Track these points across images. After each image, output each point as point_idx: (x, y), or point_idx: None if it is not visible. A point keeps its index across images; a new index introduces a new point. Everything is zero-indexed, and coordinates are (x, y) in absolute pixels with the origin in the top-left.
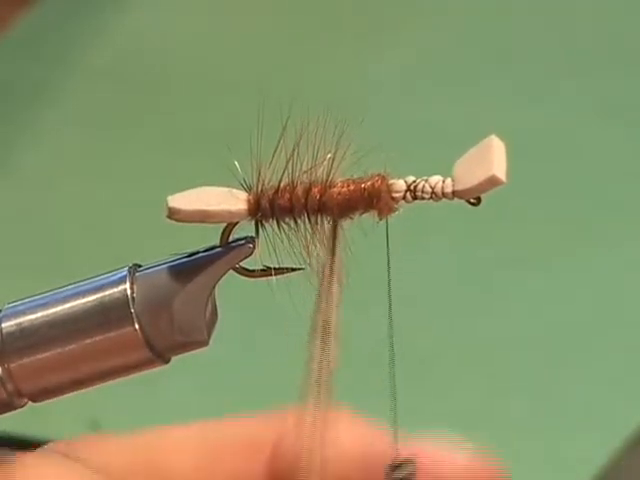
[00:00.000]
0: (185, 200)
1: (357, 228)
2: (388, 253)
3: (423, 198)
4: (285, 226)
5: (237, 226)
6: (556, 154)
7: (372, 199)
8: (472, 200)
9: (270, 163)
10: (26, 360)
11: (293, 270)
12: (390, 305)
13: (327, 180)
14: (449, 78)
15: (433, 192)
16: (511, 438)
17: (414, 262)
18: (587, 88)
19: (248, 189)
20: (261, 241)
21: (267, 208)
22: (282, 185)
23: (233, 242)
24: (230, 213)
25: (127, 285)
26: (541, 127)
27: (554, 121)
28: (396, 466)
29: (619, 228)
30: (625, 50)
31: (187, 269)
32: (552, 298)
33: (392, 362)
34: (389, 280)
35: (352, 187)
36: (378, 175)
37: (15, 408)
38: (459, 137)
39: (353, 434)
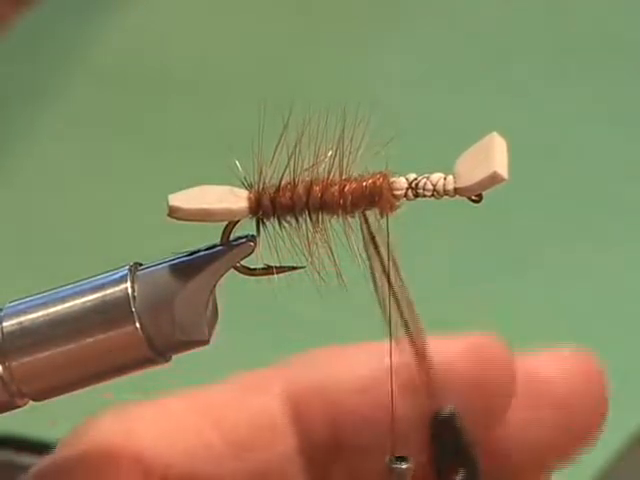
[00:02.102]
0: (186, 198)
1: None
2: (389, 250)
3: (424, 195)
4: (286, 224)
5: (238, 225)
6: (556, 153)
7: (374, 197)
8: (474, 197)
9: (271, 161)
10: (27, 359)
11: (294, 269)
12: (391, 301)
13: (328, 178)
14: (451, 76)
15: (434, 189)
16: None
17: (414, 260)
18: (587, 88)
19: (249, 187)
20: (262, 240)
21: (268, 206)
22: (283, 183)
23: (234, 241)
24: (231, 211)
25: (128, 284)
26: (541, 125)
27: (554, 120)
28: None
29: (619, 227)
30: (625, 50)
31: (188, 268)
32: (551, 298)
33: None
34: (389, 278)
35: (353, 185)
36: (379, 173)
37: (16, 407)
38: (461, 134)
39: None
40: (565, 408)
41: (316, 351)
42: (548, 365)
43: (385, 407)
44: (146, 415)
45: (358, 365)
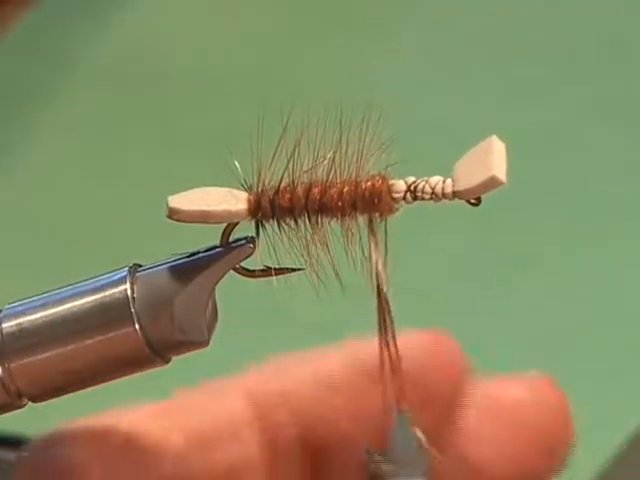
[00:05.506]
0: (185, 200)
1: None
2: (386, 253)
3: (423, 198)
4: (285, 226)
5: (237, 226)
6: (556, 153)
7: (372, 199)
8: (472, 200)
9: (271, 163)
10: (26, 360)
11: (293, 270)
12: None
13: (327, 180)
14: (450, 78)
15: (433, 192)
16: None
17: (413, 261)
18: (587, 88)
19: (248, 189)
20: (261, 241)
21: (267, 208)
22: (282, 185)
23: (233, 242)
24: (230, 213)
25: (127, 285)
26: (541, 126)
27: (554, 120)
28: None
29: (619, 227)
30: (625, 50)
31: (187, 269)
32: (551, 297)
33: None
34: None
35: (352, 187)
36: (378, 175)
37: (15, 408)
38: (459, 137)
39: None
40: (535, 427)
41: (281, 357)
42: (517, 388)
43: (354, 402)
44: (117, 425)
45: (324, 363)
